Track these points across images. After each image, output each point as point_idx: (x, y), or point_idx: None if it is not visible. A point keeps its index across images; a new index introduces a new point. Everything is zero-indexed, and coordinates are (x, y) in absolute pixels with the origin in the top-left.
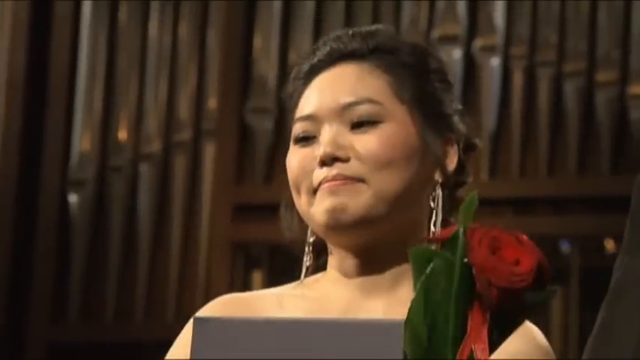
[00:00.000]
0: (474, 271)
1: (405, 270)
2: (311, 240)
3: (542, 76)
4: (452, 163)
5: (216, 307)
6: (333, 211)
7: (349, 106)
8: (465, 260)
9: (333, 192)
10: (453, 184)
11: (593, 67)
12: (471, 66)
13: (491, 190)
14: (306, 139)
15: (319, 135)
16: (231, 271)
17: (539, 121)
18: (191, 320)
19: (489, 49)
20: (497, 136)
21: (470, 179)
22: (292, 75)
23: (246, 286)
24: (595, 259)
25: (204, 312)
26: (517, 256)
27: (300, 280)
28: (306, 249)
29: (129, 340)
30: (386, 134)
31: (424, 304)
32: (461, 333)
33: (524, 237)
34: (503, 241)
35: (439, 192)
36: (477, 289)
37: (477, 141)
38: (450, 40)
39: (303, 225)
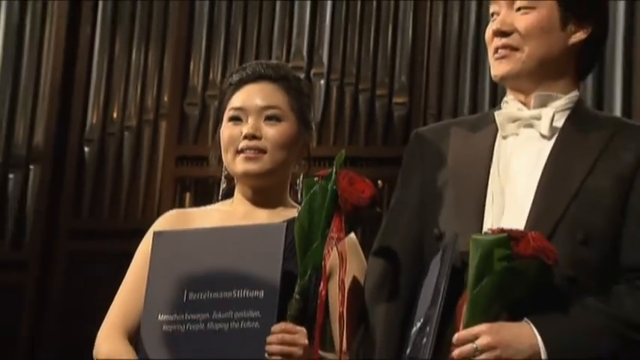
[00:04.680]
0: (339, 193)
1: (279, 199)
2: (225, 173)
3: (348, 91)
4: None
5: (167, 219)
6: (246, 171)
7: (266, 108)
8: (334, 187)
9: (247, 160)
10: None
11: (375, 87)
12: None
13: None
14: (236, 120)
15: (245, 121)
16: (174, 193)
17: (351, 118)
18: (147, 235)
19: (318, 75)
20: (321, 125)
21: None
22: (226, 80)
23: (181, 202)
24: None
25: (160, 221)
26: (363, 189)
27: (218, 198)
28: (222, 178)
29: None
30: (284, 128)
31: (308, 209)
32: (326, 225)
33: (367, 179)
34: (356, 179)
35: (303, 162)
36: (339, 203)
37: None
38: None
39: (220, 163)
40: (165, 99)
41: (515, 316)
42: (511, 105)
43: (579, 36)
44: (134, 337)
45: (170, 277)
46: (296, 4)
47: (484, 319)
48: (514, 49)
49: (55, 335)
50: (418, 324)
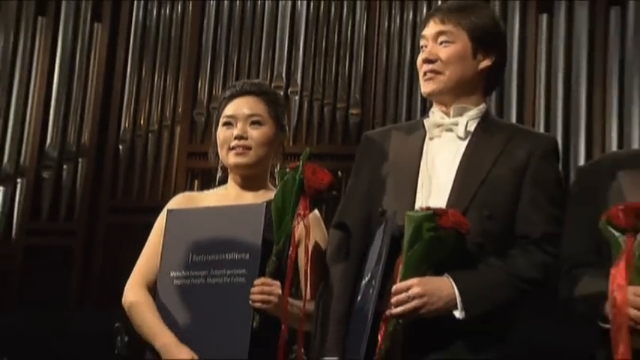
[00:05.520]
0: (304, 180)
1: (261, 185)
2: (221, 165)
3: (316, 105)
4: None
5: (178, 199)
6: (236, 163)
7: (251, 115)
8: (301, 176)
9: (237, 155)
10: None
11: (336, 101)
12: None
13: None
14: (228, 125)
15: (235, 125)
16: (185, 180)
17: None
18: (162, 212)
19: (293, 93)
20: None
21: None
22: (220, 95)
23: (191, 187)
24: None
25: (172, 201)
26: (323, 177)
27: (216, 183)
28: (218, 168)
29: (132, 205)
30: (264, 131)
31: (282, 192)
32: (295, 205)
33: (327, 170)
34: (317, 170)
35: (280, 156)
36: (305, 189)
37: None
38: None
39: (217, 157)
40: (180, 110)
41: (438, 273)
42: (436, 114)
43: (486, 63)
44: (152, 288)
45: (179, 243)
46: (277, 39)
47: (415, 274)
48: (438, 72)
49: (97, 287)
50: (366, 278)
